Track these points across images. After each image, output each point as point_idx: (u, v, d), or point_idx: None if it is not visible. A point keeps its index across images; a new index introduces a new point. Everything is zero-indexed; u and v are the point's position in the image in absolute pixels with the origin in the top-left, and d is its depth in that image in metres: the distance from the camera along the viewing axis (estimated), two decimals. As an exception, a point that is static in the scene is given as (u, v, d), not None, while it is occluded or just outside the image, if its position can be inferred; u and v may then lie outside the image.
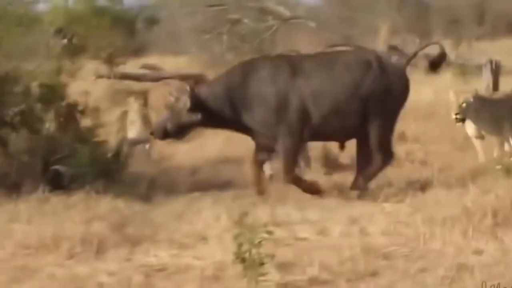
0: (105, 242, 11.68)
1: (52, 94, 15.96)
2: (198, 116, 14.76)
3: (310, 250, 10.98)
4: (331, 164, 16.97)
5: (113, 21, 39.52)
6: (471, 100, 15.83)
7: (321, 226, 12.29)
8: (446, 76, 27.76)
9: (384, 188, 14.33)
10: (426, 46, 17.56)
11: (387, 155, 14.67)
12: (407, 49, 30.05)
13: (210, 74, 30.62)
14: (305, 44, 30.74)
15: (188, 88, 14.42)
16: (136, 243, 11.72)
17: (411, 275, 10.09)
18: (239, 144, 16.84)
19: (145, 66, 31.85)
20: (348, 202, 14.15)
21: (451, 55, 30.71)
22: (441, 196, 13.06)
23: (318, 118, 14.56)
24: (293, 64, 14.90)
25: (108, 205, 13.79)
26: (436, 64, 16.15)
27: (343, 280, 9.94)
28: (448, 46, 33.98)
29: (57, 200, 13.84)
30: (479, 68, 28.19)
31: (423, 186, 14.44)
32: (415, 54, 15.98)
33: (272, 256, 9.77)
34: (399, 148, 16.34)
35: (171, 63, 34.95)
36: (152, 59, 35.06)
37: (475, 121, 16.10)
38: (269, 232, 9.83)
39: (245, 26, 29.60)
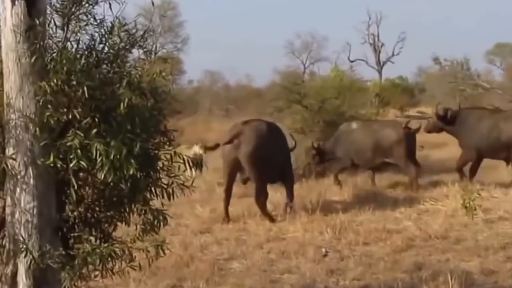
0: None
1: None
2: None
3: (499, 203, 10.89)
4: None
5: (402, 89, 39.34)
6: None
7: (505, 191, 11.91)
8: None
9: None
10: None
11: None
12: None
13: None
14: (496, 101, 29.80)
15: None
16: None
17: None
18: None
19: (418, 111, 32.22)
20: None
21: None
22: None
23: None
24: None
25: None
26: None
27: (517, 219, 10.00)
28: None
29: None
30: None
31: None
32: None
33: (480, 205, 9.88)
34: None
35: (431, 110, 33.66)
36: (422, 108, 34.92)
37: None
38: (479, 194, 9.91)
39: (466, 92, 29.09)
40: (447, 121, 13.51)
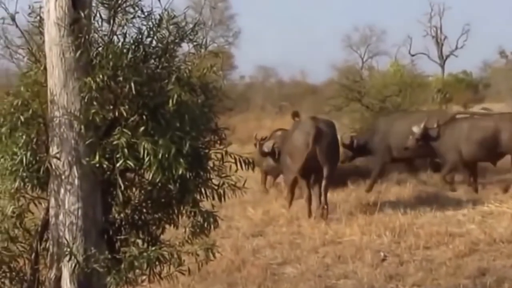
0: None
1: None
2: None
3: None
4: None
5: (466, 85, 38.75)
6: None
7: None
8: None
9: None
10: None
11: None
12: None
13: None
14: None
15: None
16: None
17: None
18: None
19: (483, 108, 31.76)
20: None
21: None
22: None
23: None
24: None
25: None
26: None
27: None
28: None
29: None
30: None
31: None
32: None
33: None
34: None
35: (496, 107, 33.30)
36: (486, 104, 34.42)
37: None
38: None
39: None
40: (354, 149, 13.32)
